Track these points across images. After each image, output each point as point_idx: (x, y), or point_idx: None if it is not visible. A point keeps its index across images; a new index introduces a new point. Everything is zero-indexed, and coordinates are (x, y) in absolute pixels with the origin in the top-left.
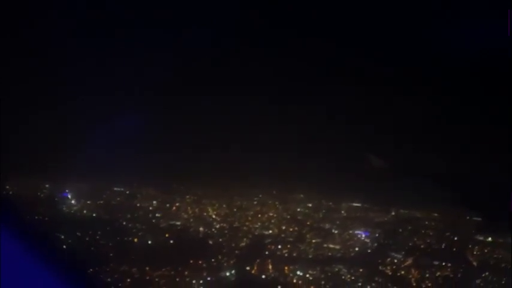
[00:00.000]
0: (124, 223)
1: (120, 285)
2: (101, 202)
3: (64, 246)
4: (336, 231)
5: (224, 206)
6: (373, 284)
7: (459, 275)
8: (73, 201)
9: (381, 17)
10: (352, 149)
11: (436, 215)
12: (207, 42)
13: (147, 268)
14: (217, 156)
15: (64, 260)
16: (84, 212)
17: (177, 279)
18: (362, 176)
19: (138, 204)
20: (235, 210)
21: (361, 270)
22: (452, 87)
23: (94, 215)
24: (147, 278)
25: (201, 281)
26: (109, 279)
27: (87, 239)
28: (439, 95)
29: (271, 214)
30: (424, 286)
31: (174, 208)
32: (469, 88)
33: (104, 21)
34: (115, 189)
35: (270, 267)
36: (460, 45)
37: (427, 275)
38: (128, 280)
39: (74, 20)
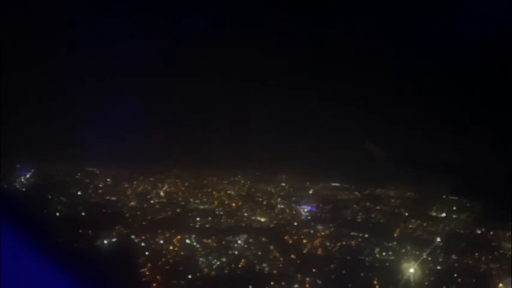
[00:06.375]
0: (49, 197)
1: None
2: (51, 180)
3: None
4: (280, 206)
5: (186, 184)
6: (259, 252)
7: (362, 245)
8: (22, 179)
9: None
10: (342, 134)
11: (411, 194)
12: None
13: None
14: (205, 138)
15: None
16: (17, 186)
17: None
18: (351, 160)
19: (88, 181)
20: (191, 188)
21: (263, 239)
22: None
23: (24, 189)
24: None
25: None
26: None
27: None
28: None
29: (228, 192)
30: (313, 252)
31: (125, 186)
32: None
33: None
34: (88, 169)
35: (162, 236)
36: (465, 37)
37: (327, 244)
38: None
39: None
